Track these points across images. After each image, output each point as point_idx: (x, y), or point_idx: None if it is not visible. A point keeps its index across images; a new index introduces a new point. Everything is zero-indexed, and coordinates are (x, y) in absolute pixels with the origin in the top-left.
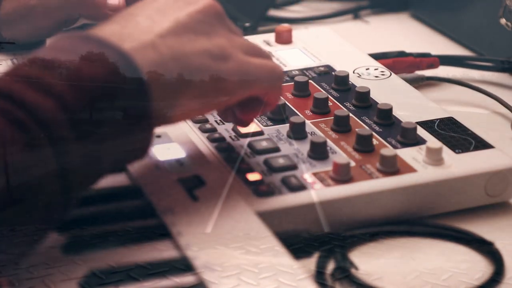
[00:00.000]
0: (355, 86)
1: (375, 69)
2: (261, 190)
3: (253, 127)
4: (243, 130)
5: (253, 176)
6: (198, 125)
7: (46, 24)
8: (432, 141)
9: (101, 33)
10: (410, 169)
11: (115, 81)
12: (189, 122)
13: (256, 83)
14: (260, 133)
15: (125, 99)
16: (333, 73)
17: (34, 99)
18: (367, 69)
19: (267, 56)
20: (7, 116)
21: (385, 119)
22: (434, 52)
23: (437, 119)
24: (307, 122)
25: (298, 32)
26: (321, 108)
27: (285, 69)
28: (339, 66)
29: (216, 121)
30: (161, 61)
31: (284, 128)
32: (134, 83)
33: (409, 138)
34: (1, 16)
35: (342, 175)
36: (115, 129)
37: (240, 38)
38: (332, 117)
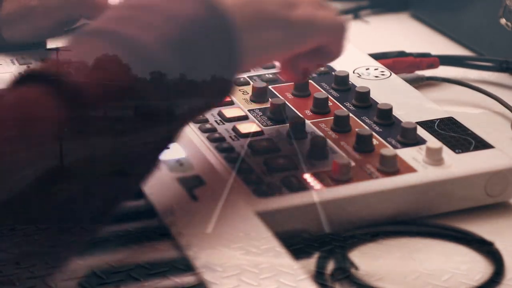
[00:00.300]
0: (355, 86)
1: (375, 69)
2: (261, 190)
3: (253, 127)
4: (243, 130)
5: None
6: (198, 125)
7: (47, 25)
8: (432, 141)
9: None
10: (410, 169)
11: (200, 20)
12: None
13: (321, 30)
14: (260, 133)
15: (211, 39)
16: (333, 73)
17: (135, 33)
18: (367, 69)
19: (332, 9)
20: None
21: (385, 119)
22: (434, 52)
23: (437, 119)
24: (307, 122)
25: None
26: (321, 108)
27: None
28: (339, 66)
29: (216, 121)
30: (238, 4)
31: (284, 128)
32: (220, 21)
33: (409, 138)
34: (1, 17)
35: (342, 175)
36: (203, 68)
37: None
38: (332, 117)
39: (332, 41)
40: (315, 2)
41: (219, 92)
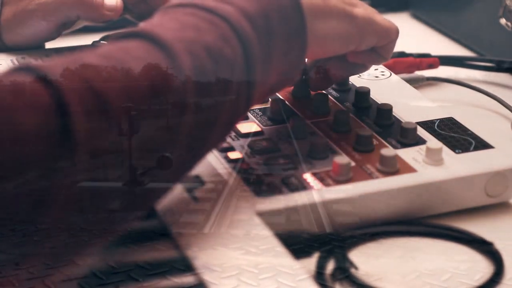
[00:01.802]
0: (355, 86)
1: (375, 69)
2: (261, 190)
3: (253, 127)
4: (243, 130)
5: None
6: None
7: (46, 27)
8: (432, 141)
9: None
10: (410, 169)
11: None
12: None
13: (379, 31)
14: (260, 133)
15: (286, 18)
16: None
17: (221, 6)
18: None
19: (384, 17)
20: (200, 17)
21: (385, 119)
22: (434, 52)
23: (437, 119)
24: (307, 122)
25: None
26: (321, 108)
27: None
28: None
29: None
30: None
31: (284, 128)
32: (295, 4)
33: (409, 138)
34: (1, 22)
35: (342, 175)
36: (280, 44)
37: None
38: (332, 117)
39: (385, 45)
40: (370, 7)
41: (288, 75)
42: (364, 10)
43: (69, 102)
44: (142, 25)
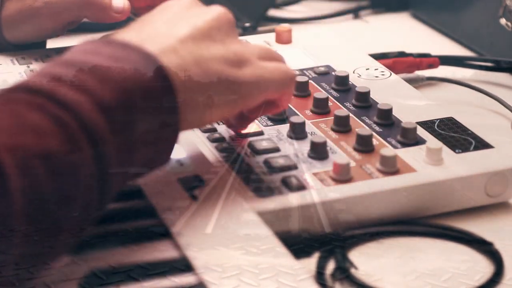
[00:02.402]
0: (355, 86)
1: (375, 69)
2: (261, 190)
3: (253, 127)
4: (243, 130)
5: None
6: None
7: (51, 26)
8: (432, 141)
9: (121, 38)
10: (410, 169)
11: (144, 81)
12: None
13: (270, 87)
14: (260, 133)
15: (154, 100)
16: (333, 73)
17: (72, 97)
18: (367, 69)
19: (280, 59)
20: (47, 113)
21: (385, 119)
22: (434, 52)
23: (437, 119)
24: (307, 122)
25: (298, 32)
26: (321, 108)
27: None
28: (339, 66)
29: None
30: (184, 65)
31: (284, 128)
32: (163, 83)
33: (409, 138)
34: (4, 17)
35: (342, 175)
36: (146, 130)
37: (253, 44)
38: (332, 117)
39: (280, 95)
40: (263, 52)
41: (155, 161)
42: (252, 69)
43: None
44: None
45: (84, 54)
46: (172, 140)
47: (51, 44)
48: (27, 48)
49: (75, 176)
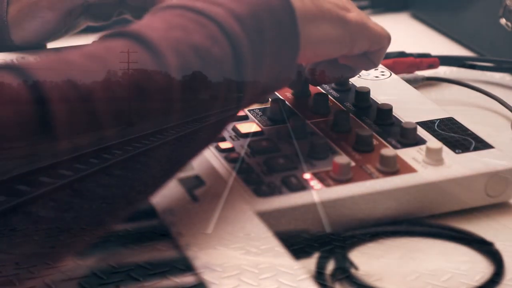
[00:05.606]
0: (355, 86)
1: (375, 69)
2: (261, 190)
3: (253, 127)
4: (243, 130)
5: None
6: None
7: (52, 17)
8: (432, 141)
9: None
10: (410, 169)
11: (271, 4)
12: None
13: (372, 37)
14: (260, 133)
15: (278, 23)
16: None
17: (209, 7)
18: None
19: (377, 23)
20: (188, 18)
21: (385, 119)
22: (434, 52)
23: (437, 119)
24: (307, 122)
25: None
26: (321, 108)
27: None
28: None
29: None
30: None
31: (284, 128)
32: (287, 9)
33: (409, 138)
34: (8, 21)
35: (342, 175)
36: (272, 47)
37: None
38: (332, 117)
39: (376, 51)
40: (363, 12)
41: (281, 77)
42: (357, 15)
43: (51, 98)
44: (130, 26)
45: None
46: (293, 59)
47: (51, 44)
48: (27, 48)
49: (218, 68)
